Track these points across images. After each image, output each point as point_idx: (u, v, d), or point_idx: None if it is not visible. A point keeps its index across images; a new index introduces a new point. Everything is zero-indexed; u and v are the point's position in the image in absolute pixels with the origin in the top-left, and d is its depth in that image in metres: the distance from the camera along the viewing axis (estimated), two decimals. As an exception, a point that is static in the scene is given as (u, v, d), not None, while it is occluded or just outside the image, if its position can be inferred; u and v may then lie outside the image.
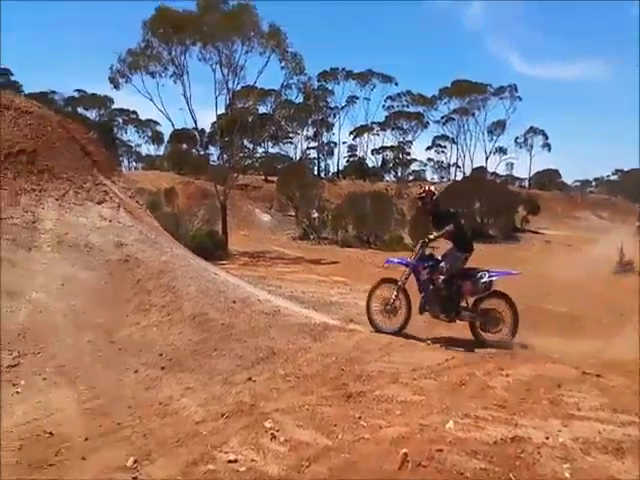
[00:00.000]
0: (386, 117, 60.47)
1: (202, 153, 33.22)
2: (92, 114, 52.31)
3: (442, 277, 6.47)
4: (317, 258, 21.25)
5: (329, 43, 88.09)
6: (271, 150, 49.96)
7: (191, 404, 4.24)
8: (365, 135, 62.27)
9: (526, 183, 63.61)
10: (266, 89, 31.30)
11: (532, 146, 60.33)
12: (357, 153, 63.75)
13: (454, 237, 6.64)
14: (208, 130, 40.47)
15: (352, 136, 62.22)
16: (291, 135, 51.64)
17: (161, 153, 56.88)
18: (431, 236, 6.63)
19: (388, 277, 6.89)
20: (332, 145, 61.68)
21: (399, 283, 6.63)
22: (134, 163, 59.56)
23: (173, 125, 28.64)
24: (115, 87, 24.04)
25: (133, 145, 59.20)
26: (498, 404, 4.01)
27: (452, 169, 63.96)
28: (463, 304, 6.53)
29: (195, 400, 4.31)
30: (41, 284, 5.62)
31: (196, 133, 31.37)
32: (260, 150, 40.56)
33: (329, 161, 63.10)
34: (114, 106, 54.01)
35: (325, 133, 59.59)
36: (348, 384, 4.57)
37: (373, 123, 61.38)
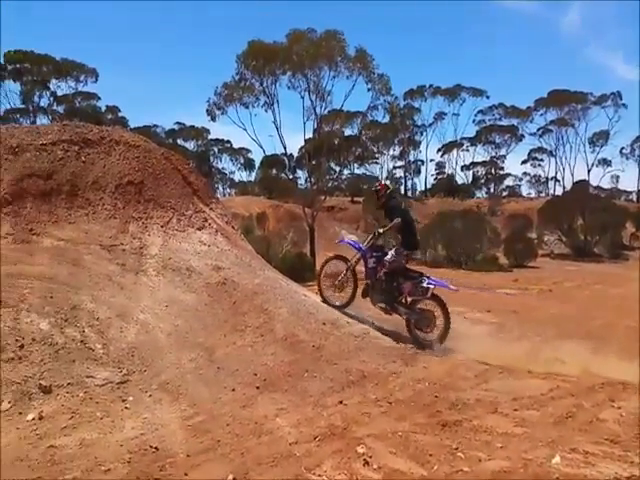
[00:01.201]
0: (477, 132, 58.85)
1: (290, 177, 34.32)
2: (190, 145, 56.16)
3: (384, 270, 6.90)
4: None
5: (415, 60, 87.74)
6: (357, 171, 50.37)
7: (285, 425, 4.32)
8: (454, 151, 61.01)
9: (634, 196, 58.41)
10: (352, 111, 31.82)
11: (640, 157, 55.49)
12: (445, 170, 62.49)
13: (401, 233, 6.98)
14: (296, 154, 41.86)
15: (440, 153, 61.17)
16: (377, 155, 51.75)
17: (252, 179, 59.50)
18: (380, 230, 7.04)
19: (341, 254, 7.48)
20: (419, 163, 61.00)
21: (349, 263, 7.17)
22: (228, 189, 62.74)
23: (264, 151, 29.92)
24: (212, 119, 25.77)
25: (227, 172, 62.50)
26: (610, 439, 3.68)
27: (550, 183, 60.59)
28: (403, 300, 6.93)
29: (288, 421, 4.38)
30: (147, 306, 6.03)
31: (285, 158, 32.53)
32: (346, 171, 41.09)
33: (416, 179, 62.49)
34: (210, 136, 57.55)
35: (412, 151, 59.13)
36: (442, 412, 4.42)
37: (462, 139, 60.02)
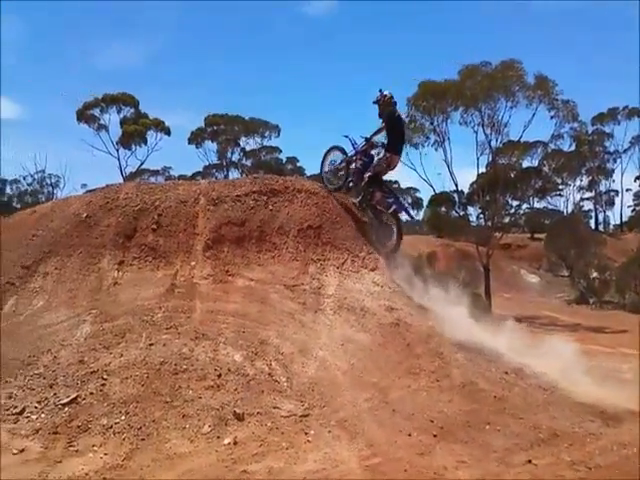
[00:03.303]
0: (684, 157, 50.31)
1: (461, 214, 33.28)
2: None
3: (368, 174, 7.74)
4: (599, 326, 18.45)
5: (604, 81, 79.50)
6: (537, 205, 46.74)
7: (467, 479, 4.07)
8: (656, 178, 52.81)
9: None
10: (531, 142, 29.93)
11: None
12: (645, 201, 54.32)
13: (389, 135, 7.62)
14: (467, 191, 40.60)
15: (639, 182, 53.53)
16: (560, 187, 47.42)
17: (420, 218, 59.19)
18: (368, 136, 7.80)
19: (341, 146, 8.26)
20: (612, 194, 53.98)
21: (346, 157, 8.11)
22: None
23: (434, 190, 29.49)
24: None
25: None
26: None
27: None
28: (373, 205, 7.89)
29: (471, 475, 4.13)
30: (325, 343, 6.32)
31: (455, 195, 31.77)
32: (524, 206, 38.37)
33: (609, 212, 55.30)
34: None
35: (603, 181, 52.78)
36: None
37: (667, 164, 51.78)
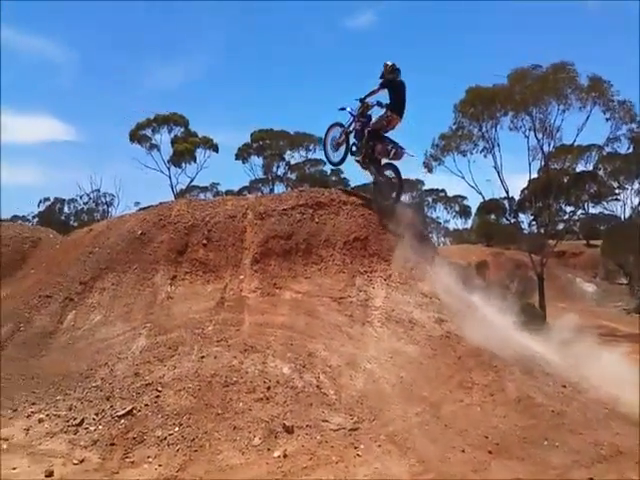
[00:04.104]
0: None
1: (512, 222, 32.30)
2: (405, 197, 57.75)
3: (368, 129, 8.09)
4: (663, 336, 17.31)
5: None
6: (592, 210, 44.73)
7: (524, 499, 3.91)
8: None
9: None
10: (585, 145, 28.78)
11: None
12: None
13: (390, 97, 7.98)
14: (517, 197, 39.36)
15: (702, 184, 50.26)
16: (617, 191, 45.24)
17: (468, 226, 57.87)
18: (362, 96, 8.15)
19: (340, 122, 8.56)
20: (675, 197, 50.99)
21: (343, 128, 8.47)
22: (443, 238, 62.13)
23: (483, 197, 28.70)
24: (429, 171, 26.13)
25: (442, 221, 62.17)
26: None
27: None
28: (376, 161, 8.21)
29: (528, 495, 3.96)
30: (373, 356, 6.25)
31: (505, 202, 30.88)
32: (579, 212, 36.86)
33: (672, 216, 52.17)
34: (424, 187, 58.42)
35: (666, 184, 49.89)
36: None
37: None
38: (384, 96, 8.07)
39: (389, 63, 8.13)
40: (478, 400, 5.50)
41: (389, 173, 8.19)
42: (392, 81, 8.01)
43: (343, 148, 8.56)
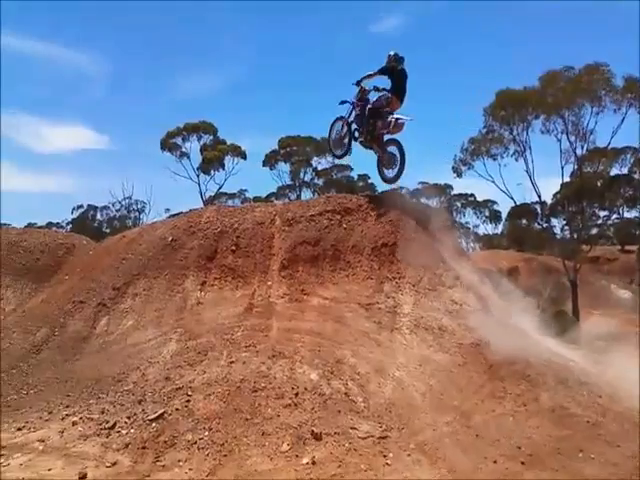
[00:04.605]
0: None
1: (544, 226, 31.58)
2: (432, 202, 57.12)
3: (368, 107, 8.24)
4: None
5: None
6: (627, 215, 43.39)
7: (559, 513, 3.79)
8: None
9: None
10: (619, 148, 27.96)
11: None
12: None
13: (392, 82, 8.16)
14: (549, 201, 38.48)
15: None
16: (654, 194, 43.74)
17: (499, 231, 56.82)
18: (359, 79, 8.37)
19: (342, 116, 8.69)
20: None
21: (344, 119, 8.66)
22: (472, 243, 61.15)
23: (514, 202, 28.12)
24: (458, 175, 25.77)
25: (471, 226, 61.26)
26: None
27: None
28: (378, 138, 8.26)
29: (563, 509, 3.84)
30: (402, 363, 6.18)
31: (537, 207, 30.23)
32: (613, 216, 35.80)
33: None
34: (453, 192, 57.67)
35: None
36: None
37: None
38: (382, 81, 8.29)
39: (391, 53, 8.32)
40: (510, 410, 5.38)
41: (392, 149, 8.27)
42: (393, 68, 8.18)
43: (347, 140, 8.71)
